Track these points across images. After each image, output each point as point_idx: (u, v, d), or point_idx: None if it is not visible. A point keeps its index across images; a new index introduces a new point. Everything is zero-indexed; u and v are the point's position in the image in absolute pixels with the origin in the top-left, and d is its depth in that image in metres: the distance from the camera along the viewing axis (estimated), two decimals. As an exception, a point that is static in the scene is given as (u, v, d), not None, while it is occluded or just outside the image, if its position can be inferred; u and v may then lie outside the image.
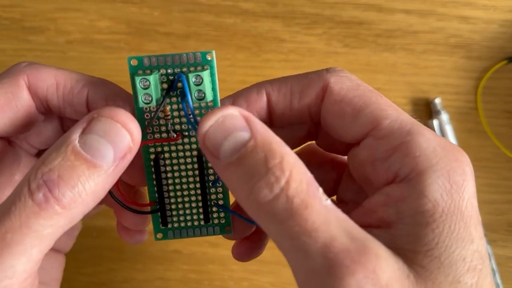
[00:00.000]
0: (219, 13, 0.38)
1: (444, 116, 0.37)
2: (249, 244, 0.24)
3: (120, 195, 0.22)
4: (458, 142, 0.37)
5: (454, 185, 0.18)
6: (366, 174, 0.20)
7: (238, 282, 0.38)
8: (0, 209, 0.18)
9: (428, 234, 0.17)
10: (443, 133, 0.36)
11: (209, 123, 0.18)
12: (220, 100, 0.22)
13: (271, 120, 0.22)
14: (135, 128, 0.19)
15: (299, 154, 0.25)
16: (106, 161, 0.18)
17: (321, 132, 0.24)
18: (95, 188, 0.18)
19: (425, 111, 0.38)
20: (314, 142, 0.25)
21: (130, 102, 0.21)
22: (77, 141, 0.18)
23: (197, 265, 0.38)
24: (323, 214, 0.17)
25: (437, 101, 0.37)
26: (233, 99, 0.22)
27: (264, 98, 0.22)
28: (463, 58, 0.38)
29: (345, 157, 0.24)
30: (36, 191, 0.17)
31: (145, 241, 0.27)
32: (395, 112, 0.20)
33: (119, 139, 0.19)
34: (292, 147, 0.24)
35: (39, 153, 0.26)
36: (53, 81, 0.22)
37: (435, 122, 0.36)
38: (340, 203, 0.24)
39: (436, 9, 0.38)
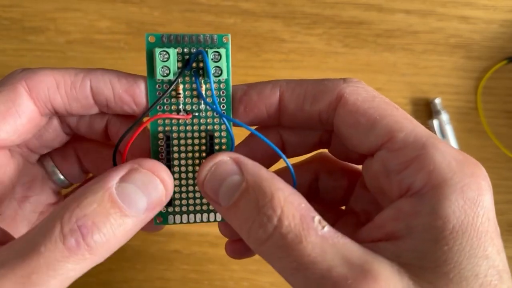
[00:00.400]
0: (219, 13, 0.38)
1: (444, 116, 0.37)
2: (243, 242, 0.24)
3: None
4: (458, 142, 0.37)
5: (468, 201, 0.17)
6: (380, 186, 0.20)
7: (238, 282, 0.38)
8: (27, 244, 0.18)
9: (436, 251, 0.17)
10: (443, 133, 0.36)
11: (203, 173, 0.19)
12: (234, 86, 0.22)
13: (280, 118, 0.22)
14: (170, 184, 0.20)
15: (310, 161, 0.25)
16: (138, 211, 0.19)
17: (334, 140, 0.23)
18: (122, 235, 0.19)
19: (425, 111, 0.38)
20: (326, 150, 0.25)
21: (136, 82, 0.21)
22: (114, 187, 0.19)
23: (197, 265, 0.38)
24: (318, 245, 0.17)
25: (437, 101, 0.37)
26: (247, 88, 0.22)
27: (277, 95, 0.22)
28: (463, 58, 0.38)
29: (358, 166, 0.24)
30: (69, 235, 0.18)
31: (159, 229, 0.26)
32: (410, 125, 0.20)
33: (155, 193, 0.19)
34: (304, 153, 0.24)
35: (40, 159, 0.25)
36: (52, 81, 0.22)
37: (435, 122, 0.36)
38: (350, 214, 0.24)
39: (436, 9, 0.38)
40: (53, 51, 0.38)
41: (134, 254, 0.37)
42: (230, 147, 0.22)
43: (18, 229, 0.24)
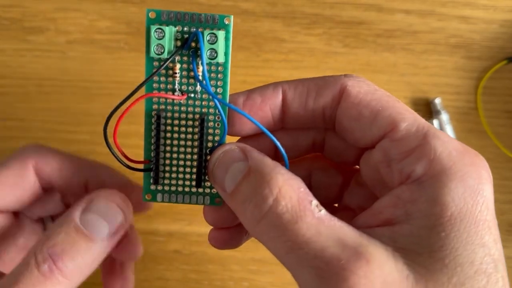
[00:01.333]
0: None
1: (444, 116, 0.37)
2: (227, 231, 0.24)
3: (116, 148, 0.22)
4: (458, 142, 0.37)
5: (468, 189, 0.18)
6: (379, 177, 0.20)
7: (238, 282, 0.38)
8: (9, 278, 0.21)
9: (433, 237, 0.17)
10: (443, 133, 0.37)
11: (213, 161, 0.21)
12: (234, 94, 0.22)
13: (284, 120, 0.22)
14: (127, 209, 0.23)
15: (303, 159, 0.25)
16: (101, 236, 0.22)
17: (328, 142, 0.23)
18: (91, 259, 0.22)
19: (425, 111, 0.38)
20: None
21: (125, 186, 0.26)
22: (78, 219, 0.22)
23: (197, 265, 0.38)
24: (314, 226, 0.17)
25: (437, 101, 0.37)
26: (248, 93, 0.22)
27: (279, 95, 0.22)
28: (463, 58, 0.38)
29: (353, 167, 0.24)
30: (42, 263, 0.21)
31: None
32: (412, 116, 0.20)
33: (114, 218, 0.23)
34: (297, 157, 0.24)
35: (41, 219, 0.29)
36: (57, 166, 0.25)
37: (435, 122, 0.36)
38: (345, 210, 0.24)
39: (436, 9, 0.38)
40: (53, 51, 0.38)
41: (134, 254, 0.37)
42: (223, 132, 0.22)
43: None
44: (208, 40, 0.20)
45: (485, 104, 0.38)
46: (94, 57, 0.38)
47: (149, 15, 0.21)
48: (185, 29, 0.21)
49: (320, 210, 0.18)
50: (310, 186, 0.24)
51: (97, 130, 0.34)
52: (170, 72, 0.21)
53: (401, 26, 0.38)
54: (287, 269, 0.18)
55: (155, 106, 0.22)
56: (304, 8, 0.38)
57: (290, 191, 0.18)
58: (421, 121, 0.20)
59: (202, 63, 0.20)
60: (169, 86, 0.21)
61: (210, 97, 0.21)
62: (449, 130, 0.37)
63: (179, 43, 0.21)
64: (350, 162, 0.23)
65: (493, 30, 0.38)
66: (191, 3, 0.38)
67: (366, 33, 0.38)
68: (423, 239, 0.17)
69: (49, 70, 0.38)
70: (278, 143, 0.20)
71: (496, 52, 0.38)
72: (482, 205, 0.18)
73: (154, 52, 0.20)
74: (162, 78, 0.21)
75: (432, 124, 0.36)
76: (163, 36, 0.20)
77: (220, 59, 0.21)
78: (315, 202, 0.18)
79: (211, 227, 0.24)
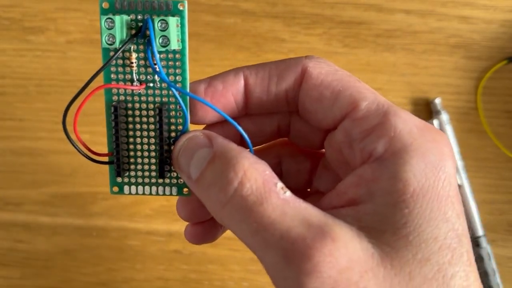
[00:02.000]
0: (219, 13, 0.38)
1: (444, 116, 0.37)
2: (201, 226, 0.24)
3: (78, 140, 0.22)
4: (458, 142, 0.37)
5: (429, 164, 0.18)
6: (343, 158, 0.21)
7: (238, 282, 0.38)
8: None
9: (396, 214, 0.17)
10: (443, 133, 0.37)
11: (177, 149, 0.20)
12: (195, 82, 0.22)
13: (247, 106, 0.22)
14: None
15: (272, 145, 0.25)
16: None
17: (293, 126, 0.23)
18: None
19: (425, 111, 0.38)
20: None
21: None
22: None
23: (197, 265, 0.38)
24: (279, 207, 0.17)
25: (437, 101, 0.37)
26: (209, 80, 0.22)
27: (241, 81, 0.22)
28: (463, 58, 0.38)
29: (319, 151, 0.24)
30: None
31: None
32: (372, 95, 0.20)
33: None
34: (262, 143, 0.24)
35: None
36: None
37: (435, 122, 0.36)
38: (316, 194, 0.24)
39: (436, 9, 0.38)
40: (53, 51, 0.38)
41: (134, 254, 0.37)
42: (185, 120, 0.22)
43: None
44: (160, 27, 0.20)
45: (485, 104, 0.38)
46: (94, 57, 0.38)
47: (102, 5, 0.21)
48: (139, 17, 0.21)
49: (285, 192, 0.18)
50: (281, 174, 0.25)
51: (97, 130, 0.34)
52: (127, 61, 0.21)
53: (401, 26, 0.38)
54: (253, 252, 0.18)
55: (115, 98, 0.22)
56: (304, 8, 0.38)
57: (255, 173, 0.18)
58: (381, 99, 0.20)
59: (153, 51, 0.20)
60: (127, 76, 0.21)
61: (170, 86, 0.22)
62: (449, 130, 0.37)
63: (133, 32, 0.21)
64: (316, 145, 0.23)
65: (493, 30, 0.38)
66: (191, 3, 0.38)
67: (366, 33, 0.38)
68: (386, 217, 0.17)
69: (49, 70, 0.38)
70: (241, 129, 0.20)
71: (496, 52, 0.38)
72: (444, 181, 0.18)
73: (106, 43, 0.20)
74: (120, 69, 0.21)
75: (432, 124, 0.36)
76: (113, 26, 0.20)
77: (174, 46, 0.21)
78: (280, 184, 0.18)
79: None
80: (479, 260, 0.36)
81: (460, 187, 0.36)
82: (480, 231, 0.36)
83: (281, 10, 0.38)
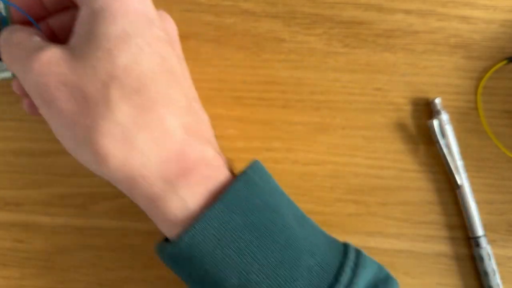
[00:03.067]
0: (219, 13, 0.38)
1: (444, 116, 0.37)
2: (28, 97, 0.30)
3: None
4: (458, 142, 0.37)
5: (97, 11, 0.25)
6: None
7: (238, 282, 0.38)
8: None
9: (76, 27, 0.26)
10: (443, 133, 0.36)
11: None
12: None
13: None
14: None
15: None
16: None
17: None
18: None
19: (425, 111, 0.38)
20: None
21: None
22: None
23: (197, 265, 0.38)
24: (29, 42, 0.28)
25: (437, 101, 0.37)
26: None
27: None
28: (463, 58, 0.38)
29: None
30: None
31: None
32: None
33: None
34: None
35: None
36: None
37: (435, 122, 0.36)
38: None
39: (436, 9, 0.38)
40: None
41: (133, 254, 0.37)
42: (2, 20, 0.30)
43: None
44: None
45: (485, 104, 0.38)
46: (94, 57, 0.38)
47: None
48: None
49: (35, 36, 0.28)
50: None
51: (97, 130, 0.34)
52: None
53: (401, 26, 0.38)
54: None
55: None
56: (304, 8, 0.38)
57: (22, 33, 0.28)
58: None
59: None
60: None
61: None
62: (449, 130, 0.37)
63: None
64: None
65: (493, 30, 0.38)
66: (191, 3, 0.38)
67: (366, 33, 0.38)
68: (79, 42, 0.26)
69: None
70: (25, 12, 0.29)
71: (496, 52, 0.38)
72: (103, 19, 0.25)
73: None
74: None
75: (432, 124, 0.36)
76: None
77: None
78: (36, 36, 0.28)
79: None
80: (479, 260, 0.36)
81: (460, 187, 0.36)
82: (480, 231, 0.36)
83: (281, 10, 0.38)
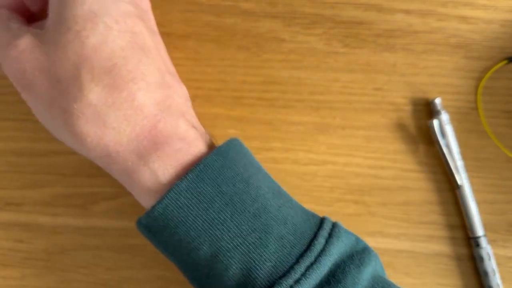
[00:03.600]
0: (219, 13, 0.38)
1: (444, 116, 0.37)
2: None
3: None
4: (458, 142, 0.37)
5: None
6: None
7: (238, 282, 0.38)
8: None
9: (49, 9, 0.27)
10: (443, 133, 0.36)
11: None
12: None
13: None
14: None
15: None
16: None
17: None
18: None
19: (425, 111, 0.38)
20: None
21: None
22: None
23: (197, 265, 0.38)
24: (9, 31, 0.28)
25: (437, 101, 0.37)
26: None
27: None
28: (463, 58, 0.38)
29: None
30: None
31: None
32: None
33: None
34: None
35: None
36: None
37: (435, 122, 0.36)
38: None
39: (436, 9, 0.38)
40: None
41: (133, 254, 0.37)
42: None
43: None
44: None
45: (485, 104, 0.38)
46: (94, 57, 0.38)
47: None
48: None
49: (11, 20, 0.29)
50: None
51: (97, 130, 0.34)
52: None
53: (401, 26, 0.38)
54: None
55: None
56: (304, 8, 0.38)
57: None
58: None
59: None
60: None
61: None
62: (449, 130, 0.37)
63: None
64: None
65: (493, 30, 0.38)
66: (191, 3, 0.38)
67: (366, 33, 0.38)
68: (49, 27, 0.27)
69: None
70: None
71: (496, 52, 0.38)
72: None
73: None
74: None
75: (432, 124, 0.36)
76: None
77: None
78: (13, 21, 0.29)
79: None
80: (479, 260, 0.36)
81: (460, 187, 0.36)
82: (480, 231, 0.36)
83: (281, 10, 0.38)
